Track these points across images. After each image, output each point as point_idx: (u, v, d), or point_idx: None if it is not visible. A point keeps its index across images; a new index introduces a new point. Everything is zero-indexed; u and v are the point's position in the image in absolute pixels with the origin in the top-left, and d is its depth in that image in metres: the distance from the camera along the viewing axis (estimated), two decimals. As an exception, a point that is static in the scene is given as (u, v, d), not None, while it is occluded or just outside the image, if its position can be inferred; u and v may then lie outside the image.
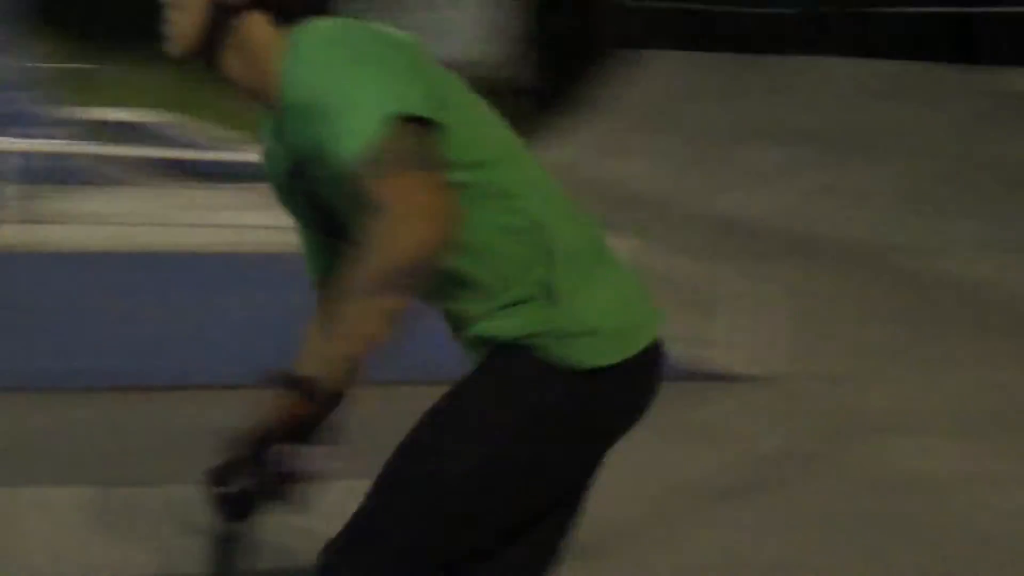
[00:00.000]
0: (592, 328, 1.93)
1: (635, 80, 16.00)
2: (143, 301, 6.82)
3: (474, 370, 1.99)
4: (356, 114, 1.74)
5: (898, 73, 13.67)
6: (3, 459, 4.46)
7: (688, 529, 4.39)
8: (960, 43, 13.80)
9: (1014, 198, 10.85)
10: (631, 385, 2.01)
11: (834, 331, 7.78)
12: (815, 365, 6.78)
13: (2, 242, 8.03)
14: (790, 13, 15.92)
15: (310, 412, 1.75)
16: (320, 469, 1.76)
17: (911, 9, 14.47)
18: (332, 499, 1.97)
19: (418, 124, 1.78)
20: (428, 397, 2.02)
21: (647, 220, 10.97)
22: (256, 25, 1.94)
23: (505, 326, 1.93)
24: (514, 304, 1.92)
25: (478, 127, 1.97)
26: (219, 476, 1.71)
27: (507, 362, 1.93)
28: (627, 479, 4.78)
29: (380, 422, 2.58)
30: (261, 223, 9.21)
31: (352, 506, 1.99)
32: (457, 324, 2.02)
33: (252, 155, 9.37)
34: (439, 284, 1.92)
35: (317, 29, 1.87)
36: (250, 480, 1.70)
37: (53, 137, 10.60)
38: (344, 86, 1.77)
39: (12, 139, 9.42)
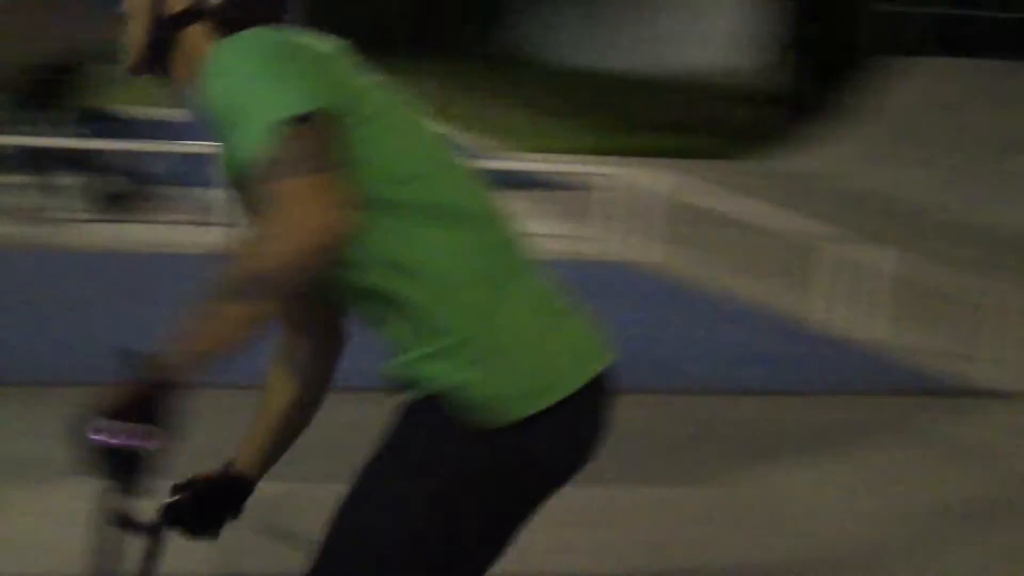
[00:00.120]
0: (511, 383, 1.89)
1: (896, 87, 15.66)
2: None
3: (400, 427, 1.96)
4: (248, 124, 1.75)
5: None
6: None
7: (944, 550, 4.38)
8: None
9: None
10: (562, 432, 1.95)
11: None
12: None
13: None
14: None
15: (150, 394, 1.73)
16: (139, 446, 1.72)
17: None
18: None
19: (312, 126, 1.75)
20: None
21: (910, 231, 10.84)
22: (196, 37, 1.94)
23: (430, 373, 1.91)
24: (439, 350, 1.89)
25: (403, 140, 1.92)
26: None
27: (430, 421, 1.91)
28: (887, 496, 4.86)
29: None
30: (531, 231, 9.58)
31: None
32: (390, 349, 1.98)
33: (507, 163, 9.73)
34: (370, 303, 1.93)
35: (232, 42, 1.87)
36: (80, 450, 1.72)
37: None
38: (240, 99, 1.78)
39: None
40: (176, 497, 2.08)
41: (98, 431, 1.68)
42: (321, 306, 2.05)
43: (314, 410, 2.19)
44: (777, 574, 4.16)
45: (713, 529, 4.44)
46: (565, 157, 12.91)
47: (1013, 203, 12.16)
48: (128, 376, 1.72)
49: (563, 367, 1.93)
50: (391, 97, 1.95)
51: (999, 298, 6.69)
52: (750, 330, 7.17)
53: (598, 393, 1.98)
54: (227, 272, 1.72)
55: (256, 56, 1.82)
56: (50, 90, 7.44)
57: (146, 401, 1.70)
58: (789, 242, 8.54)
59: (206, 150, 9.23)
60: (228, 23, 1.91)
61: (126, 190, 7.69)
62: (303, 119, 1.74)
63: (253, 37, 1.86)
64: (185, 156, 9.04)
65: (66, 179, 7.66)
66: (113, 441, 1.69)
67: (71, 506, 4.09)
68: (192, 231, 7.86)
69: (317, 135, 1.75)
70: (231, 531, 2.19)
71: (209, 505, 2.10)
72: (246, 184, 1.84)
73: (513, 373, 1.88)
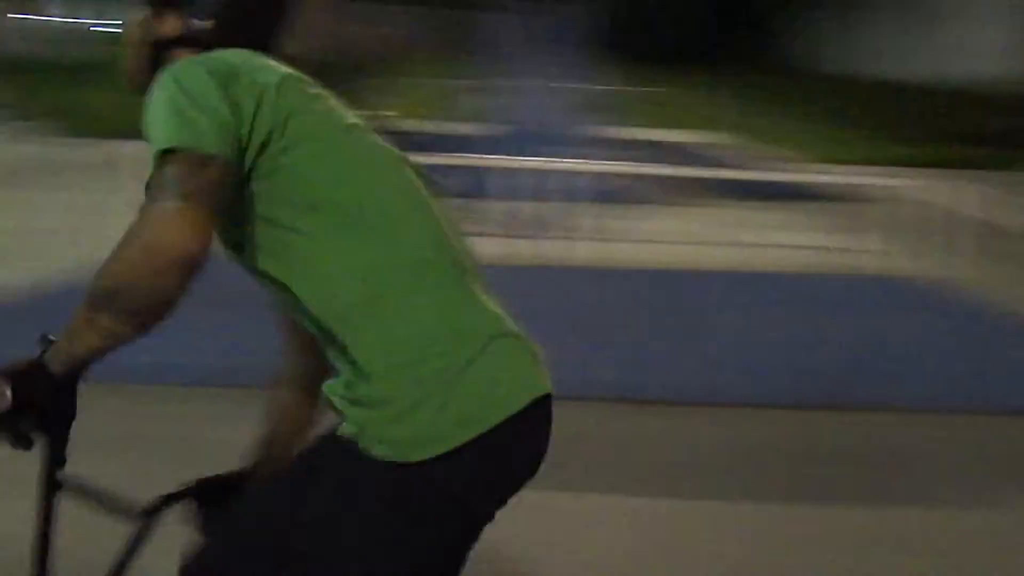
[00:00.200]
0: (420, 422, 1.83)
1: None
2: (693, 318, 7.05)
3: (319, 451, 1.96)
4: (150, 145, 1.82)
5: None
6: (580, 466, 4.73)
7: None
8: None
9: None
10: (479, 467, 1.86)
11: None
12: None
13: (567, 257, 8.57)
14: None
15: (25, 370, 1.83)
16: None
17: None
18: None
19: (189, 160, 1.78)
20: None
21: None
22: (184, 59, 1.97)
23: (342, 406, 1.89)
24: (349, 382, 1.88)
25: (327, 167, 1.90)
26: None
27: (345, 464, 1.87)
28: None
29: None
30: (809, 243, 9.45)
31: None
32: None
33: (805, 175, 9.54)
34: (308, 325, 1.94)
35: (172, 67, 1.91)
36: None
37: (614, 159, 11.17)
38: (150, 121, 1.84)
39: (580, 160, 10.08)
40: (184, 489, 2.13)
41: None
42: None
43: (317, 411, 2.19)
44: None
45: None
46: (852, 168, 12.61)
47: None
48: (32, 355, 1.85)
49: (477, 405, 1.85)
50: (328, 123, 1.94)
51: None
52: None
53: (526, 421, 1.90)
54: (92, 282, 1.77)
55: (174, 85, 1.85)
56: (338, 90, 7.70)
57: (19, 374, 1.81)
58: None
59: (493, 164, 9.48)
60: (211, 47, 1.97)
61: None
62: (183, 152, 1.78)
63: (187, 66, 1.89)
64: (476, 169, 9.29)
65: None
66: None
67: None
68: (488, 243, 8.01)
69: (192, 169, 1.77)
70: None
71: (214, 501, 2.15)
72: None
73: (420, 415, 1.83)
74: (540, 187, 9.54)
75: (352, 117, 1.98)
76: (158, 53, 2.04)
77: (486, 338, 1.89)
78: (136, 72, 2.08)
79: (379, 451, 1.83)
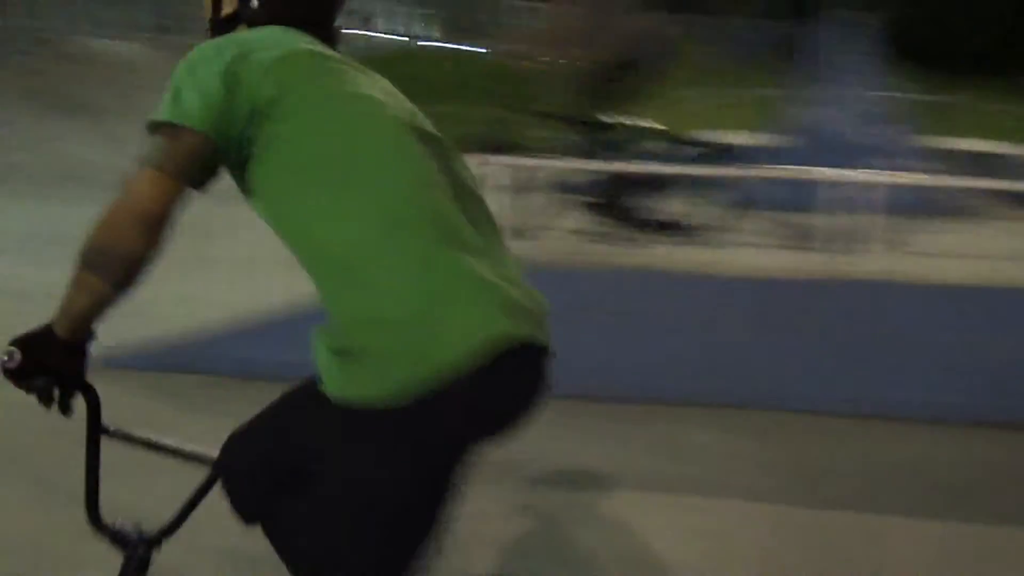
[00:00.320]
0: (373, 371, 1.96)
1: None
2: (993, 336, 6.81)
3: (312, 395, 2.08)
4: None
5: None
6: (868, 487, 4.70)
7: None
8: None
9: None
10: (446, 404, 1.95)
11: None
12: None
13: (867, 270, 8.38)
14: None
15: (36, 337, 2.08)
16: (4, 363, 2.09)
17: None
18: None
19: (175, 133, 2.00)
20: None
21: None
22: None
23: (317, 358, 2.04)
24: (330, 335, 2.01)
25: (323, 134, 2.05)
26: None
27: (318, 402, 2.03)
28: None
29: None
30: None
31: None
32: None
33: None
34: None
35: (196, 47, 2.11)
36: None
37: (915, 170, 10.83)
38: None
39: (880, 171, 9.82)
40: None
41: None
42: None
43: None
44: None
45: None
46: None
47: None
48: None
49: (431, 352, 1.95)
50: (330, 95, 2.09)
51: None
52: None
53: (491, 368, 1.97)
54: (82, 242, 1.98)
55: (187, 63, 2.08)
56: (610, 90, 7.68)
57: (32, 340, 2.08)
58: None
59: (795, 175, 9.33)
60: (258, 23, 2.23)
61: (681, 219, 7.85)
62: (171, 126, 2.01)
63: (206, 45, 2.11)
64: (772, 181, 9.17)
65: (647, 202, 7.93)
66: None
67: (644, 520, 4.35)
68: (781, 255, 7.92)
69: (171, 140, 2.00)
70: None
71: None
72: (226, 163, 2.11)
73: (375, 365, 1.97)
74: (842, 199, 9.31)
75: (368, 89, 2.15)
76: (224, 30, 2.28)
77: (451, 292, 2.00)
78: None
79: (336, 392, 2.01)
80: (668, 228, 7.74)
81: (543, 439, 5.18)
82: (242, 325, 6.08)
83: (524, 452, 4.96)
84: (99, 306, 2.02)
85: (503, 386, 2.03)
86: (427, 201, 2.06)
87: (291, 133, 2.05)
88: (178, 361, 5.87)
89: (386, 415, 1.96)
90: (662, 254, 7.24)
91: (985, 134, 17.21)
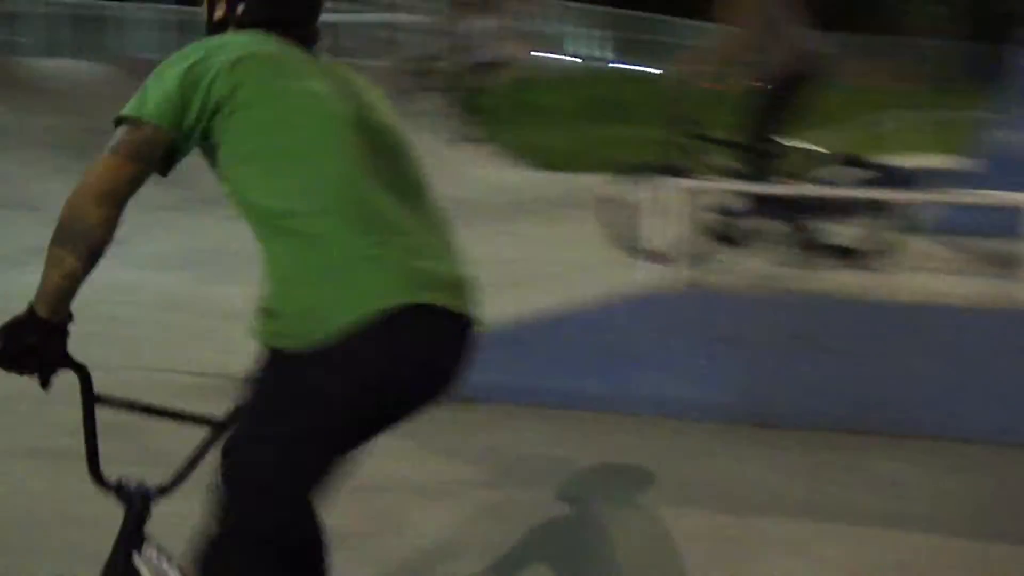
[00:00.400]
0: (288, 323, 2.40)
1: None
2: None
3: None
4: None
5: None
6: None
7: None
8: None
9: None
10: (382, 346, 2.33)
11: None
12: None
13: None
14: None
15: (21, 319, 2.32)
16: None
17: None
18: None
19: (136, 126, 2.36)
20: None
21: None
22: None
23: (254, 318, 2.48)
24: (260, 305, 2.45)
25: (268, 127, 2.40)
26: None
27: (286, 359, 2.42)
28: None
29: None
30: None
31: None
32: None
33: None
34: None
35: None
36: None
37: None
38: None
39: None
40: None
41: None
42: None
43: None
44: None
45: None
46: None
47: None
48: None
49: (332, 310, 2.34)
50: (279, 92, 2.42)
51: None
52: None
53: (421, 326, 2.36)
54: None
55: (159, 66, 2.44)
56: (781, 111, 7.57)
57: (13, 324, 2.31)
58: None
59: (981, 200, 9.05)
60: (244, 26, 2.56)
61: (863, 244, 7.69)
62: (132, 119, 2.37)
63: (178, 52, 2.46)
64: (959, 206, 8.90)
65: (827, 227, 7.80)
66: None
67: (824, 551, 4.27)
68: (965, 281, 7.71)
69: (130, 131, 2.36)
70: None
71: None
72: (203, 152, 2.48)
73: (289, 319, 2.40)
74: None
75: (317, 86, 2.47)
76: (217, 32, 2.59)
77: (352, 268, 2.37)
78: None
79: (265, 341, 2.46)
80: (849, 254, 7.61)
81: (728, 462, 5.25)
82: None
83: (702, 475, 5.06)
84: (69, 279, 2.30)
85: (416, 341, 2.37)
86: (350, 188, 2.40)
87: (240, 127, 2.40)
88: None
89: (314, 352, 2.35)
90: (843, 279, 7.14)
91: None
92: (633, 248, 7.17)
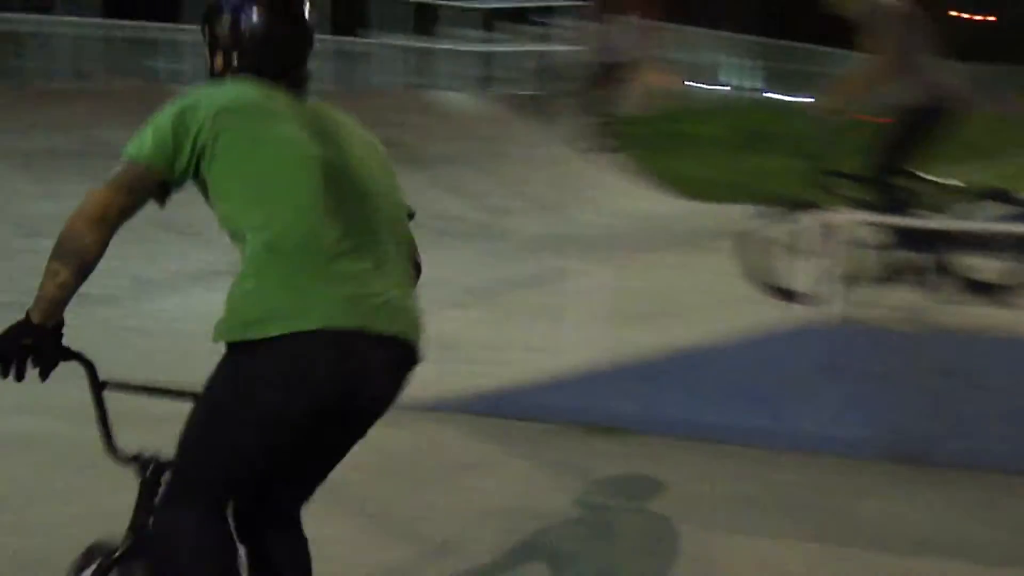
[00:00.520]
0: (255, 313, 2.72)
1: None
2: None
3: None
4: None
5: None
6: None
7: None
8: None
9: None
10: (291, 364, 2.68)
11: None
12: None
13: None
14: None
15: (20, 325, 2.70)
16: None
17: None
18: None
19: (132, 164, 2.74)
20: None
21: None
22: None
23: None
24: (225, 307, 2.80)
25: (243, 169, 2.77)
26: None
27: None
28: None
29: None
30: None
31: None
32: None
33: None
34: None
35: None
36: None
37: None
38: None
39: None
40: None
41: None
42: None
43: None
44: None
45: None
46: None
47: None
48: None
49: (308, 313, 2.68)
50: (254, 138, 2.79)
51: None
52: None
53: (358, 348, 2.71)
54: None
55: (158, 113, 2.79)
56: (920, 136, 7.46)
57: (13, 328, 2.68)
58: None
59: None
60: (239, 74, 2.91)
61: (1007, 278, 7.53)
62: (127, 157, 2.75)
63: (174, 100, 2.81)
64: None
65: (969, 261, 7.67)
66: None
67: None
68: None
69: (126, 168, 2.74)
70: None
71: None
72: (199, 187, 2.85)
73: (256, 308, 2.71)
74: None
75: (292, 131, 2.81)
76: (217, 79, 2.96)
77: (313, 291, 2.71)
78: None
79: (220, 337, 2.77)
80: (993, 289, 7.49)
81: (882, 501, 5.25)
82: (572, 374, 6.34)
83: (857, 513, 5.09)
84: (62, 289, 2.66)
85: (354, 361, 2.71)
86: (303, 227, 2.74)
87: (221, 168, 2.77)
88: (506, 407, 6.16)
89: (260, 350, 2.69)
90: (993, 315, 7.05)
91: None
92: (770, 285, 7.23)
